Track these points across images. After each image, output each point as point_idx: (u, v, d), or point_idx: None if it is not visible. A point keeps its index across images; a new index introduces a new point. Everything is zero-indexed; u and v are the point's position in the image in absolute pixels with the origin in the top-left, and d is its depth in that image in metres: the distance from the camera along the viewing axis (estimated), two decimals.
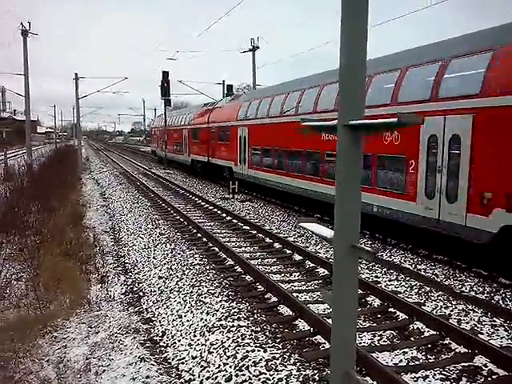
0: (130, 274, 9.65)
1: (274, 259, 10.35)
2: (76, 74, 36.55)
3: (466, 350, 5.67)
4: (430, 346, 5.94)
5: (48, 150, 44.11)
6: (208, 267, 9.43)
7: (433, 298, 7.70)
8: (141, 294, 8.42)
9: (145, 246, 11.66)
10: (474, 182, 8.72)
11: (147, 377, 5.42)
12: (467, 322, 6.66)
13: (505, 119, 8.13)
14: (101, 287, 8.61)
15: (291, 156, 16.25)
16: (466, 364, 5.42)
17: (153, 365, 5.74)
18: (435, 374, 5.20)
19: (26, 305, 7.38)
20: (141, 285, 8.87)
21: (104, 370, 5.55)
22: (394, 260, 10.10)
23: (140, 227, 13.83)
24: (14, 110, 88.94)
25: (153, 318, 7.28)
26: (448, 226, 9.23)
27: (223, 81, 41.02)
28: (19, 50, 28.76)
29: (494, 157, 8.32)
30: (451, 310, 7.11)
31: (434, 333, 6.20)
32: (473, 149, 8.73)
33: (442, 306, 7.28)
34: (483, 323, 6.64)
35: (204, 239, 12.06)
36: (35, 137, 70.98)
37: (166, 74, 32.67)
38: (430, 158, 9.77)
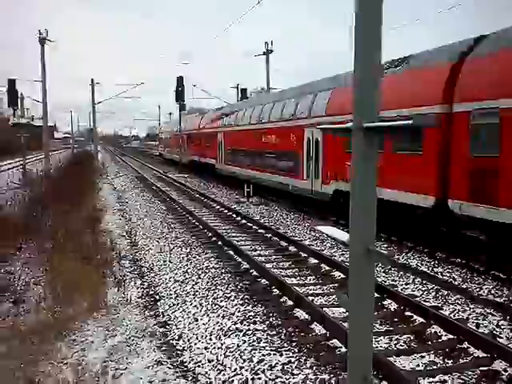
0: (147, 277, 9.72)
1: (289, 262, 10.33)
2: (92, 80, 37.10)
3: (485, 355, 5.59)
4: (447, 350, 5.87)
5: (65, 156, 44.69)
6: (223, 271, 9.46)
7: (450, 301, 7.61)
8: (157, 297, 8.46)
9: (161, 249, 11.73)
10: (324, 167, 15.26)
11: (164, 380, 5.45)
12: (485, 326, 6.57)
13: None
14: (118, 291, 8.67)
15: (246, 154, 22.81)
16: (485, 368, 5.34)
17: (169, 368, 5.76)
18: (453, 379, 5.14)
19: (45, 308, 7.48)
20: (157, 288, 8.93)
21: (121, 373, 5.58)
22: (411, 263, 10.01)
23: (156, 231, 13.92)
24: (32, 116, 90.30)
25: (169, 322, 7.32)
26: (315, 192, 15.73)
27: (237, 85, 41.16)
28: (37, 56, 29.26)
29: (331, 153, 14.68)
30: (469, 314, 7.02)
31: (452, 337, 6.12)
32: (323, 148, 15.28)
33: (459, 310, 7.20)
34: (502, 327, 6.54)
35: (219, 243, 12.10)
36: (53, 142, 72.05)
37: (180, 79, 32.89)
38: (307, 152, 16.35)
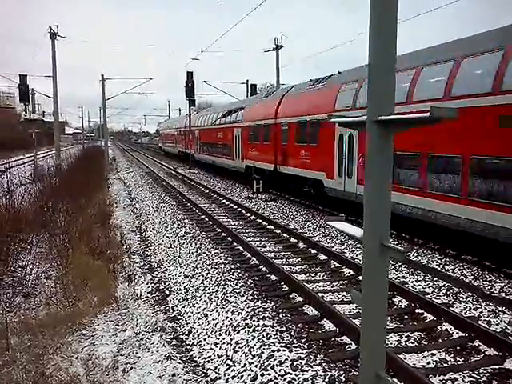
0: (156, 272, 9.75)
1: (299, 259, 10.31)
2: (102, 76, 37.16)
3: (497, 353, 5.54)
4: (458, 347, 5.82)
5: (76, 151, 44.97)
6: (233, 266, 9.46)
7: (461, 299, 7.54)
8: (167, 292, 8.49)
9: (170, 245, 11.76)
10: (242, 152, 24.24)
11: (173, 375, 5.47)
12: (497, 324, 6.50)
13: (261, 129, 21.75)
14: (128, 285, 8.72)
15: (209, 145, 32.53)
16: (497, 367, 5.28)
17: (179, 363, 5.78)
18: (464, 377, 5.09)
19: (56, 302, 7.53)
20: (167, 283, 8.95)
21: (131, 368, 5.61)
22: (422, 260, 9.94)
23: (166, 226, 13.96)
24: (43, 112, 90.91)
25: (179, 317, 7.34)
26: (238, 167, 24.78)
27: (247, 80, 41.07)
28: (48, 52, 29.39)
29: (245, 144, 23.80)
30: (480, 312, 6.95)
31: (463, 334, 6.07)
32: (241, 141, 24.24)
33: (470, 308, 7.12)
34: None
35: (229, 238, 12.10)
36: (63, 138, 72.50)
37: (190, 75, 32.91)
38: (235, 144, 25.23)
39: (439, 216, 9.97)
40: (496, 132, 8.55)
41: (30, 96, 35.90)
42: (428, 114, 1.61)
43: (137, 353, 6.01)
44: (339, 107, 14.13)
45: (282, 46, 32.05)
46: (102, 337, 6.48)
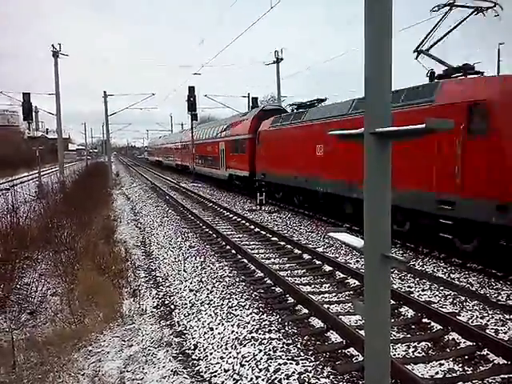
0: (162, 287, 9.75)
1: (304, 270, 10.29)
2: (105, 92, 37.49)
3: (505, 361, 5.49)
4: (466, 357, 5.78)
5: (79, 167, 45.26)
6: (238, 279, 9.44)
7: (468, 307, 7.50)
8: (172, 307, 8.48)
9: (175, 259, 11.77)
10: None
11: None
12: (505, 332, 6.45)
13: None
14: (133, 301, 8.71)
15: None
16: (506, 376, 5.24)
17: (186, 378, 5.76)
18: None
19: (62, 319, 7.53)
20: (172, 298, 8.94)
21: None
22: (427, 269, 9.90)
23: (170, 240, 13.97)
24: (47, 129, 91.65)
25: (184, 331, 7.32)
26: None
27: (248, 94, 41.27)
28: (50, 70, 29.70)
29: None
30: (488, 320, 6.90)
31: (471, 343, 6.03)
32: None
33: (477, 316, 7.08)
34: None
35: (233, 251, 12.10)
36: (67, 154, 72.89)
37: (191, 89, 33.16)
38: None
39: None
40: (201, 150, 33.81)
41: (34, 114, 36.20)
42: (424, 125, 1.64)
43: (143, 368, 5.99)
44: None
45: (282, 59, 32.30)
46: (108, 353, 6.47)
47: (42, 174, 31.88)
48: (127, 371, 5.92)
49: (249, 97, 40.92)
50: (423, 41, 11.74)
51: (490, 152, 8.91)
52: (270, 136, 20.89)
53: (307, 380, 5.14)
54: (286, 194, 20.01)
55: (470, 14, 10.92)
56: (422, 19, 12.33)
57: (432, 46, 11.74)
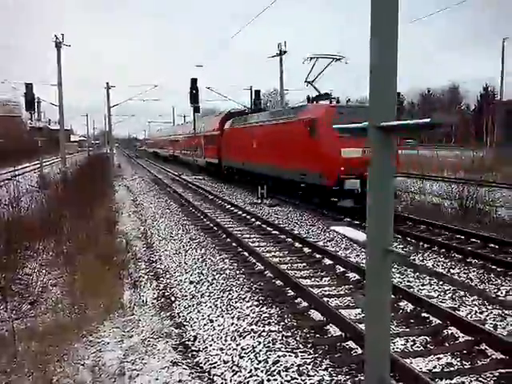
0: (162, 278, 9.78)
1: (304, 264, 10.31)
2: (107, 84, 37.44)
3: (504, 356, 5.51)
4: (465, 351, 5.81)
5: (81, 158, 45.28)
6: (238, 272, 9.47)
7: (467, 302, 7.52)
8: (172, 298, 8.51)
9: (176, 251, 11.79)
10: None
11: (180, 381, 5.48)
12: (504, 328, 6.47)
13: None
14: (133, 292, 8.75)
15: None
16: (504, 371, 5.26)
17: (185, 369, 5.79)
18: (471, 381, 5.08)
19: (62, 309, 7.56)
20: (172, 289, 8.97)
21: (138, 374, 5.62)
22: (427, 264, 9.91)
23: (171, 232, 14.00)
24: (49, 120, 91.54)
25: (184, 323, 7.35)
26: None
27: (251, 86, 41.17)
28: (53, 61, 29.60)
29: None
30: (487, 315, 6.93)
31: (469, 338, 6.05)
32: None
33: (476, 311, 7.10)
34: None
35: (233, 244, 12.12)
36: (69, 145, 72.83)
37: (194, 81, 33.05)
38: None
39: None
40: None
41: (36, 104, 36.16)
42: (429, 119, 1.64)
43: (143, 359, 6.02)
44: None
45: (285, 52, 32.14)
46: (109, 343, 6.50)
47: (43, 164, 31.89)
48: (127, 361, 5.95)
49: (251, 90, 40.83)
50: (307, 75, 18.66)
51: (319, 146, 15.67)
52: (229, 133, 27.86)
53: (306, 372, 5.17)
54: (239, 175, 26.58)
55: (330, 62, 18.05)
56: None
57: (314, 80, 18.60)
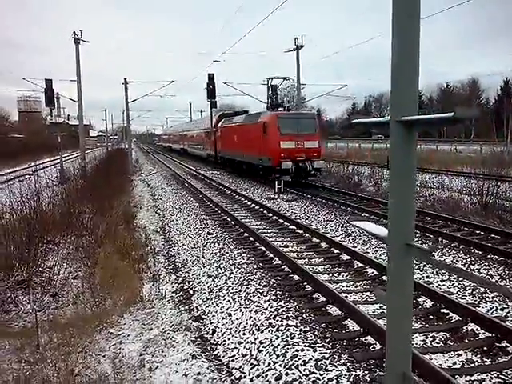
0: (180, 272, 9.87)
1: (322, 259, 10.29)
2: (125, 79, 37.71)
3: None
4: (485, 348, 5.75)
5: (100, 153, 45.79)
6: (255, 266, 9.50)
7: (487, 298, 7.43)
8: (191, 292, 8.59)
9: (194, 245, 11.88)
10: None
11: (199, 373, 5.53)
12: None
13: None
14: (153, 285, 8.85)
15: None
16: None
17: (204, 362, 5.85)
18: (492, 378, 5.03)
19: (83, 302, 7.70)
20: (191, 283, 9.05)
21: (157, 366, 5.71)
22: (446, 260, 9.82)
23: (189, 227, 14.10)
24: (68, 115, 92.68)
25: (203, 316, 7.42)
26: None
27: (267, 79, 41.00)
28: (72, 57, 29.89)
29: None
30: (508, 312, 6.84)
31: (490, 335, 5.98)
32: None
33: (497, 308, 7.02)
34: None
35: (251, 238, 12.16)
36: (88, 140, 73.70)
37: (211, 77, 33.08)
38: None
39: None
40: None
41: (56, 100, 36.61)
42: (452, 114, 1.62)
43: (162, 351, 6.10)
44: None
45: (302, 46, 31.96)
46: (129, 335, 6.60)
47: (63, 159, 32.33)
48: (147, 354, 6.04)
49: (268, 83, 40.68)
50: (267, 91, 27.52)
51: (268, 140, 22.88)
52: (221, 130, 34.41)
53: (324, 367, 5.18)
54: (229, 163, 32.48)
55: (282, 81, 28.95)
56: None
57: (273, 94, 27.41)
